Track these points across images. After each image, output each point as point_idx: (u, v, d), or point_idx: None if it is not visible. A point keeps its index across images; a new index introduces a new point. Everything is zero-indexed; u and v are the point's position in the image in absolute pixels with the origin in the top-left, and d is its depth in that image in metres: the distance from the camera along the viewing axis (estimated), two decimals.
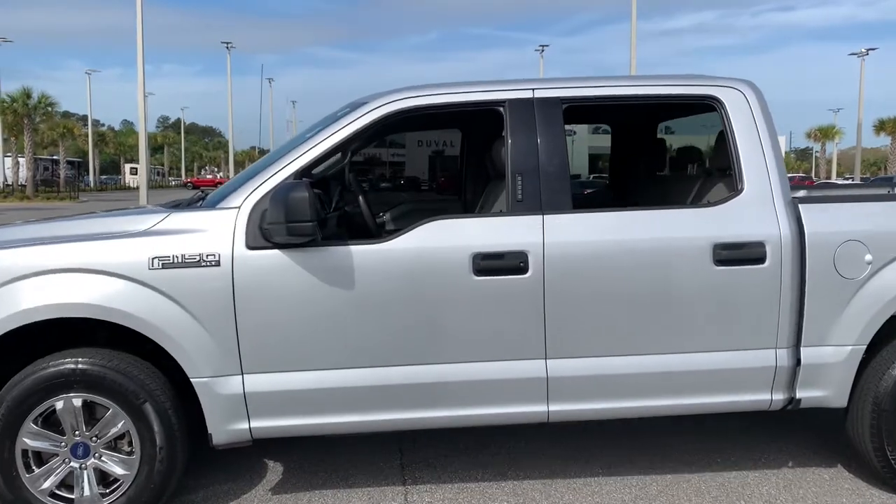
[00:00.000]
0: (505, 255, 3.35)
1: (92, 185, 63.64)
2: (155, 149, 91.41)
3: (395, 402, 3.38)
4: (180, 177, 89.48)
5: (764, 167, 3.54)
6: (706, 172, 4.28)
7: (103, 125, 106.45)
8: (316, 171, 3.57)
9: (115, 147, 79.67)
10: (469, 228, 3.42)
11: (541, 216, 3.40)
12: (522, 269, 3.34)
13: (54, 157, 59.17)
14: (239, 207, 3.32)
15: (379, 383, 3.35)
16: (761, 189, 3.51)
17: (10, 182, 47.51)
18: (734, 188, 3.56)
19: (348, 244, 3.33)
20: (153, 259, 3.21)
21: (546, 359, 3.40)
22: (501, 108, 3.53)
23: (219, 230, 3.28)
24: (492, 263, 3.33)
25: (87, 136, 65.79)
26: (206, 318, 3.23)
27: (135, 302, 3.20)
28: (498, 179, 3.88)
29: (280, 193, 3.13)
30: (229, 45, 52.80)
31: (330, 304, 3.29)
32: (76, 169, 64.51)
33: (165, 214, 3.38)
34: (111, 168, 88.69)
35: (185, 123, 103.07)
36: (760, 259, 3.43)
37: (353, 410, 3.37)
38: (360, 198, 3.84)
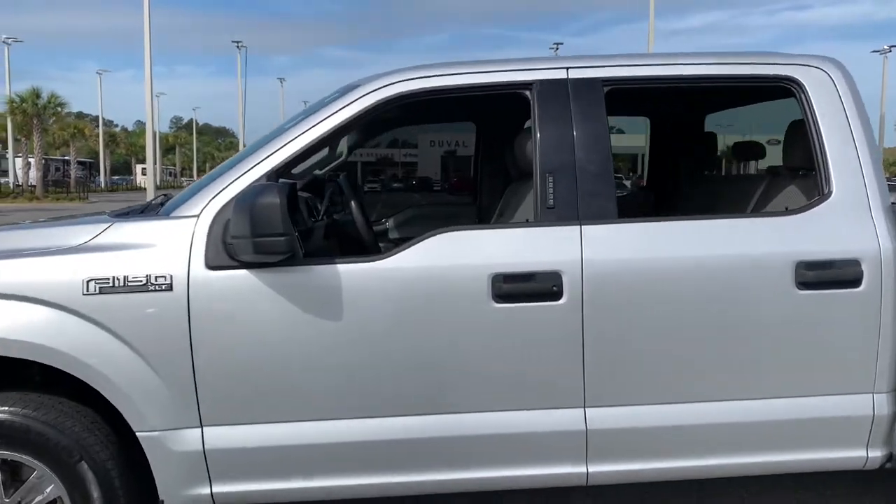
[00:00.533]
0: (533, 277, 2.65)
1: (103, 185, 63.40)
2: (167, 149, 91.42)
3: (396, 462, 2.69)
4: (193, 177, 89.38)
5: (857, 165, 2.82)
6: (771, 172, 3.56)
7: (117, 126, 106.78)
8: (298, 170, 2.90)
9: (127, 147, 79.54)
10: (487, 242, 2.73)
11: (578, 227, 2.70)
12: (555, 294, 2.64)
13: (65, 158, 59.01)
14: (198, 216, 2.64)
15: (376, 438, 2.66)
16: (854, 193, 2.80)
17: (20, 182, 47.30)
18: (819, 191, 2.85)
19: (336, 262, 2.64)
20: (88, 282, 2.54)
21: (585, 407, 2.70)
22: (528, 92, 2.83)
23: (172, 245, 2.60)
24: (516, 287, 2.64)
25: (98, 136, 65.60)
26: (155, 356, 2.56)
27: (63, 336, 2.53)
28: (522, 180, 3.19)
29: (245, 199, 2.46)
30: (240, 45, 52.32)
31: (312, 339, 2.61)
32: (88, 169, 64.38)
33: (107, 225, 2.70)
34: (124, 168, 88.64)
35: (197, 124, 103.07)
36: (855, 281, 2.72)
37: (342, 472, 2.68)
38: (353, 203, 3.14)
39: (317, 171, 4.27)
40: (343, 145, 4.37)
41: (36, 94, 41.00)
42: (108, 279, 2.54)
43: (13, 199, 39.87)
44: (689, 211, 3.85)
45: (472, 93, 2.89)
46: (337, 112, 2.76)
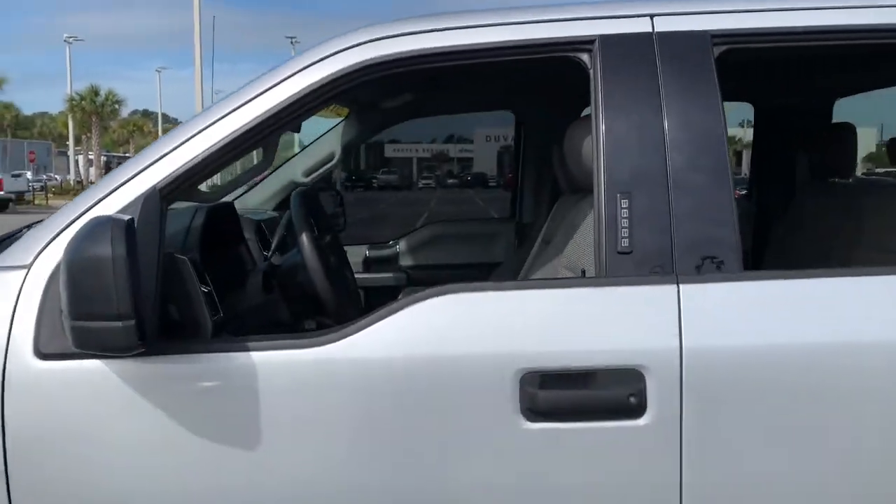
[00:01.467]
0: (594, 377, 1.52)
1: None
2: None
3: None
4: None
5: None
6: None
7: (180, 122, 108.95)
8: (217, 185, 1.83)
9: None
10: (515, 312, 1.59)
11: (674, 286, 1.55)
12: (633, 410, 1.50)
13: (126, 155, 60.13)
14: (28, 268, 1.59)
15: None
16: None
17: (81, 179, 48.22)
18: None
19: (255, 347, 1.55)
20: None
21: None
22: (587, 55, 1.68)
23: None
24: (564, 396, 1.52)
25: (157, 133, 66.82)
26: None
27: None
28: (578, 195, 2.07)
29: (72, 249, 1.40)
30: (294, 40, 52.06)
31: (218, 477, 1.54)
32: None
33: None
34: None
35: None
36: None
37: None
38: (303, 237, 2.01)
39: (302, 180, 3.25)
40: (335, 144, 3.30)
41: (94, 92, 41.78)
42: None
43: (74, 195, 40.53)
44: (810, 234, 2.68)
45: (490, 59, 1.74)
46: (267, 91, 1.66)
